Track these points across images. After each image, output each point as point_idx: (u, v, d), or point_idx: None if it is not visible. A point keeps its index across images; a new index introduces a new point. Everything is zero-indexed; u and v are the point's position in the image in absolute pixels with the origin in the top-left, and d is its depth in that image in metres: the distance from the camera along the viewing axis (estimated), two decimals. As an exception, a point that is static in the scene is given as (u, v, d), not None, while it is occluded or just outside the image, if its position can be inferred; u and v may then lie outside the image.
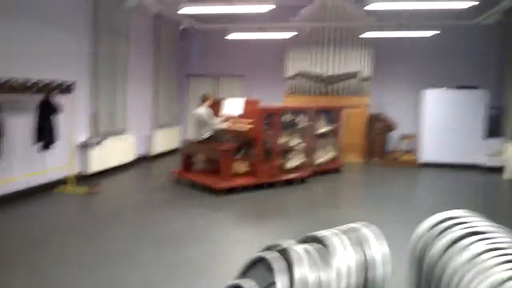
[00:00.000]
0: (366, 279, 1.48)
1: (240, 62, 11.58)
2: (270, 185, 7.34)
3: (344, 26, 10.16)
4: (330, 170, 8.90)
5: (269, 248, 1.65)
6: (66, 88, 6.60)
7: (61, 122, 6.66)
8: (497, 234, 1.76)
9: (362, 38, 10.07)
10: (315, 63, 10.40)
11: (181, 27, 9.78)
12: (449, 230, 1.78)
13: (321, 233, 1.65)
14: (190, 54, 11.96)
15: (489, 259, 1.52)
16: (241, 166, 7.43)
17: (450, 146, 9.84)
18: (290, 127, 7.94)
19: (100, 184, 7.12)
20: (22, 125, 6.11)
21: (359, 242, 1.53)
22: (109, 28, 7.98)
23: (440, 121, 9.85)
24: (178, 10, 7.19)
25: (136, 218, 5.58)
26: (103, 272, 3.85)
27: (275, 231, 5.13)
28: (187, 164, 7.79)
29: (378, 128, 10.27)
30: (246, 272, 1.67)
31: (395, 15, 9.30)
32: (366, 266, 1.48)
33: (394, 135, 10.76)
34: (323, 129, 8.83)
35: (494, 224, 1.91)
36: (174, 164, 8.81)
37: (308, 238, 1.67)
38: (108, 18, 7.93)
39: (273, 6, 6.25)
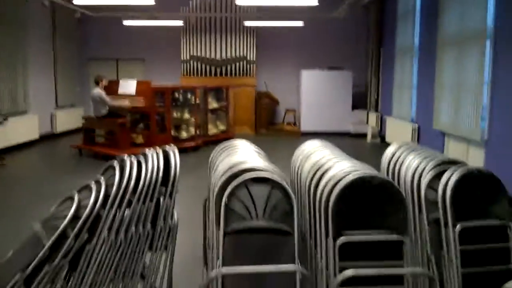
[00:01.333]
0: (168, 171, 2.69)
1: (140, 47, 12.43)
2: (166, 153, 8.47)
3: (228, 16, 11.47)
4: (221, 140, 10.17)
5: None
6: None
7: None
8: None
9: (246, 26, 11.43)
10: (205, 48, 11.64)
11: (77, 16, 10.46)
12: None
13: (144, 150, 2.84)
14: (90, 39, 12.55)
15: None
16: (138, 137, 8.48)
17: (324, 117, 11.58)
18: (182, 103, 9.10)
19: (4, 158, 7.78)
20: None
21: (166, 155, 2.75)
22: (5, 18, 8.59)
23: (316, 97, 11.55)
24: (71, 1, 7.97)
25: (39, 183, 6.47)
26: (6, 220, 4.82)
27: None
28: (89, 137, 8.68)
29: (264, 104, 11.78)
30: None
31: (271, 8, 10.69)
32: (168, 164, 2.70)
33: (279, 109, 12.35)
34: (213, 105, 10.10)
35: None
36: (79, 141, 9.60)
37: (141, 154, 2.86)
38: (3, 9, 8.52)
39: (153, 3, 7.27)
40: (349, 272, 1.94)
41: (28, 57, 9.51)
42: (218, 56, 11.68)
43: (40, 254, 2.25)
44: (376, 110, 11.12)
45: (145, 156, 2.76)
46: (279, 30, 11.84)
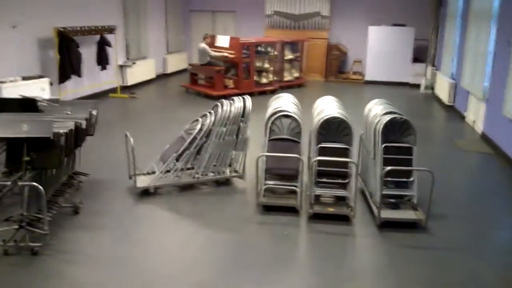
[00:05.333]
0: (244, 111, 5.22)
1: (231, 0, 14.81)
2: (250, 94, 10.99)
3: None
4: (295, 85, 12.54)
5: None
6: (110, 30, 10.16)
7: (110, 51, 10.27)
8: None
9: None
10: (286, 4, 13.74)
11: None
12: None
13: (232, 97, 5.37)
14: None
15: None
16: (229, 82, 11.11)
17: (387, 68, 13.36)
18: (263, 54, 11.49)
19: (135, 92, 10.86)
20: (89, 54, 9.74)
21: (243, 100, 5.27)
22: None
23: (380, 50, 13.29)
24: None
25: (160, 111, 9.39)
26: (144, 134, 7.72)
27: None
28: (193, 79, 11.48)
29: (334, 55, 13.78)
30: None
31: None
32: (244, 107, 5.21)
33: (348, 59, 14.27)
34: (289, 56, 12.37)
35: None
36: (183, 80, 12.49)
37: (231, 99, 5.40)
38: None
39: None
40: (319, 158, 4.38)
41: (147, 13, 12.37)
42: (295, 11, 13.74)
43: (184, 145, 4.98)
44: (433, 65, 12.67)
45: (233, 100, 5.31)
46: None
